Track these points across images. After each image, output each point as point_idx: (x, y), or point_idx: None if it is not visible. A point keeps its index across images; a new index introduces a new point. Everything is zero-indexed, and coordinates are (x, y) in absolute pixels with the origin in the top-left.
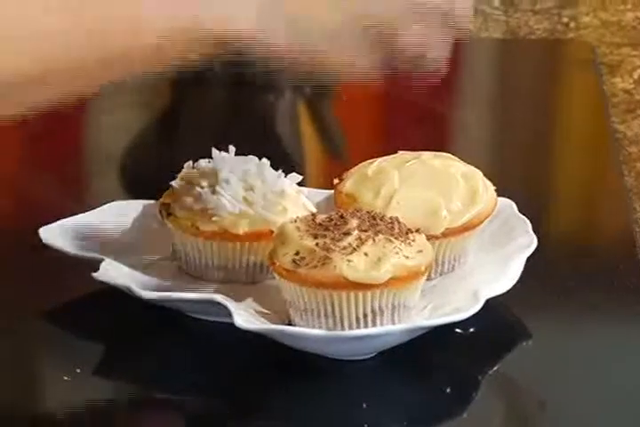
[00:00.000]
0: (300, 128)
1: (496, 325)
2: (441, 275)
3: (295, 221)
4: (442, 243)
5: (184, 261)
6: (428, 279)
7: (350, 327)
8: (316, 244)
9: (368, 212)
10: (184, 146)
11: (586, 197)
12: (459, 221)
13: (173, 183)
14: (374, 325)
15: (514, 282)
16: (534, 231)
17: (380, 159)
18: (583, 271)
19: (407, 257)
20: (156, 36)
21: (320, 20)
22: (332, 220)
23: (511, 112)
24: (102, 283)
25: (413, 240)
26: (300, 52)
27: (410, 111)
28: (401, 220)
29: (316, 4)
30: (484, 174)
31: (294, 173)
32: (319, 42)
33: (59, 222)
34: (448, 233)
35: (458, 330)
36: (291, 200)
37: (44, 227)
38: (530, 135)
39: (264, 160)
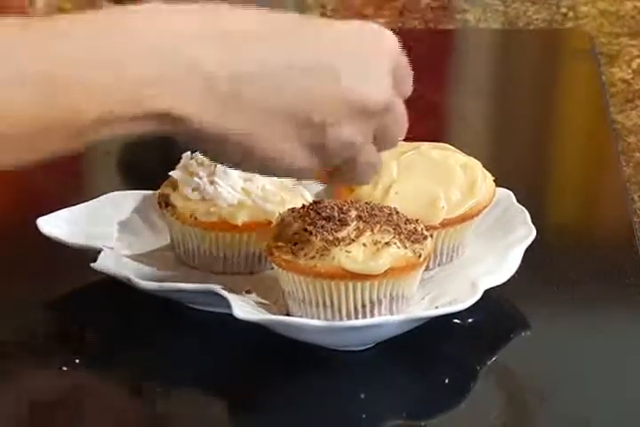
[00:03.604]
0: None
1: (494, 315)
2: (439, 265)
3: (293, 211)
4: (440, 233)
5: (183, 252)
6: (426, 270)
7: (349, 318)
8: (315, 234)
9: (366, 202)
10: None
11: (584, 188)
12: (457, 212)
13: (172, 174)
14: (372, 315)
15: (512, 273)
16: (533, 222)
17: None
18: (582, 262)
19: (405, 248)
20: None
21: None
22: (330, 210)
23: (510, 102)
24: (101, 273)
25: (412, 231)
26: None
27: (408, 101)
28: (399, 210)
29: None
30: (483, 165)
31: None
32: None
33: (58, 213)
34: (446, 223)
35: (456, 320)
36: (289, 191)
37: (43, 217)
38: (528, 125)
39: None
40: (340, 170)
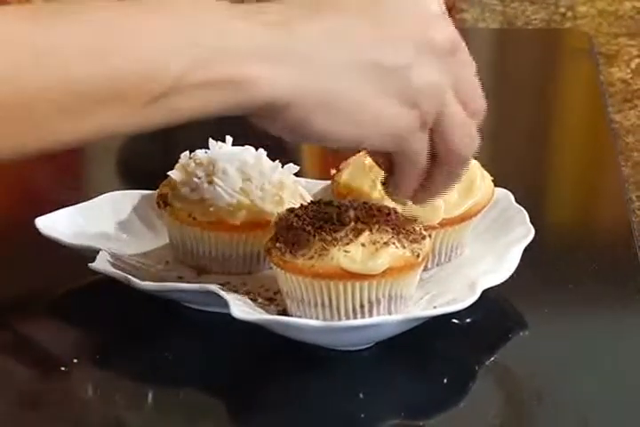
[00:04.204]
0: None
1: (493, 315)
2: (438, 265)
3: (292, 211)
4: (439, 233)
5: (181, 252)
6: (424, 270)
7: (347, 318)
8: (314, 234)
9: (365, 202)
10: (181, 136)
11: (583, 188)
12: (456, 212)
13: (171, 174)
14: (371, 315)
15: (511, 272)
16: (531, 222)
17: None
18: (580, 261)
19: (404, 247)
20: None
21: None
22: (329, 211)
23: (508, 102)
24: (100, 273)
25: (410, 230)
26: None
27: None
28: (398, 210)
29: None
30: (481, 165)
31: (291, 164)
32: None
33: (56, 213)
34: (445, 223)
35: (455, 320)
36: (288, 191)
37: (42, 217)
38: (527, 125)
39: (261, 150)
40: (435, 169)
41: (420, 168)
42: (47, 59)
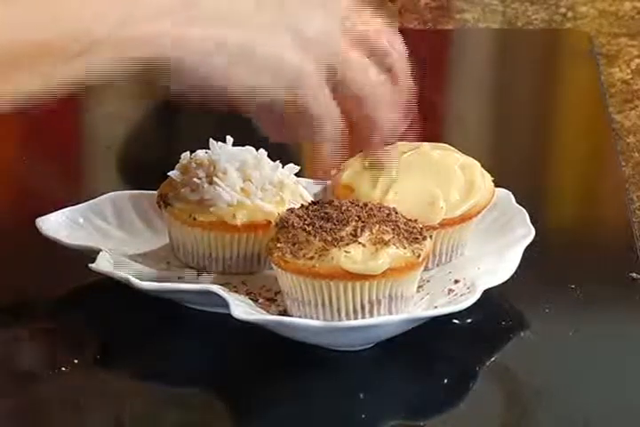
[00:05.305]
0: None
1: (493, 315)
2: (438, 265)
3: (293, 211)
4: (439, 233)
5: (182, 252)
6: (425, 270)
7: (348, 318)
8: (314, 235)
9: (365, 202)
10: (182, 136)
11: (583, 188)
12: (456, 212)
13: (171, 174)
14: (372, 315)
15: (511, 273)
16: (532, 222)
17: None
18: (581, 262)
19: (404, 248)
20: None
21: None
22: (329, 211)
23: (509, 102)
24: (100, 274)
25: (411, 231)
26: None
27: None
28: (398, 210)
29: None
30: (482, 165)
31: (292, 164)
32: None
33: (56, 213)
34: (445, 224)
35: (455, 321)
36: (288, 191)
37: (42, 217)
38: (527, 126)
39: (262, 151)
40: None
41: (335, 126)
42: None
